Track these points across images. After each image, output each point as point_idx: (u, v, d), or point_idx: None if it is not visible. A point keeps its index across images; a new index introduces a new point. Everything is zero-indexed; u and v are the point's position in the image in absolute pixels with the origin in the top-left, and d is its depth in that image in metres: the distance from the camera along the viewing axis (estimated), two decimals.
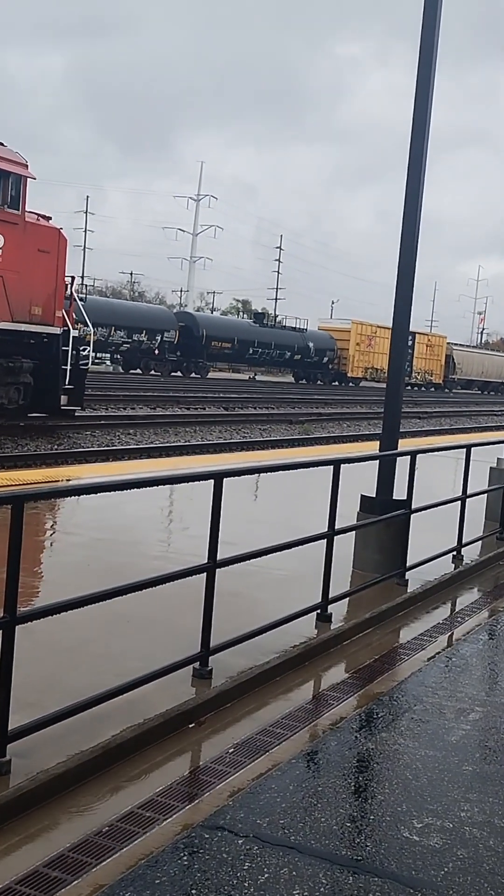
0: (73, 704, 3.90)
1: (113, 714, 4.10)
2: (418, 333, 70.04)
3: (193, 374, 51.19)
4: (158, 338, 48.43)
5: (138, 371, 48.13)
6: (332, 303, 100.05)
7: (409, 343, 64.96)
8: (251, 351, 55.33)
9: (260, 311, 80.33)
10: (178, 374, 50.40)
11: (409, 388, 64.81)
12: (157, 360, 49.06)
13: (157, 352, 48.69)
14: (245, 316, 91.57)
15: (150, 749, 4.05)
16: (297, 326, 60.36)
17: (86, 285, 57.13)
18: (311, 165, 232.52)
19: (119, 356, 49.08)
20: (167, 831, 3.38)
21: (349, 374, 60.92)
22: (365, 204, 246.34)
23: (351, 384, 60.87)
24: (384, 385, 8.12)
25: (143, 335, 47.49)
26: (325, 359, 60.01)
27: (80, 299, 44.26)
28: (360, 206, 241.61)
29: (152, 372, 48.26)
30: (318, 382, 59.92)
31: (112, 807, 3.53)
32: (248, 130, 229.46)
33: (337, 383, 60.97)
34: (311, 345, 58.55)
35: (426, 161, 7.46)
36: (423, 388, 66.94)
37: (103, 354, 49.18)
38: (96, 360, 45.78)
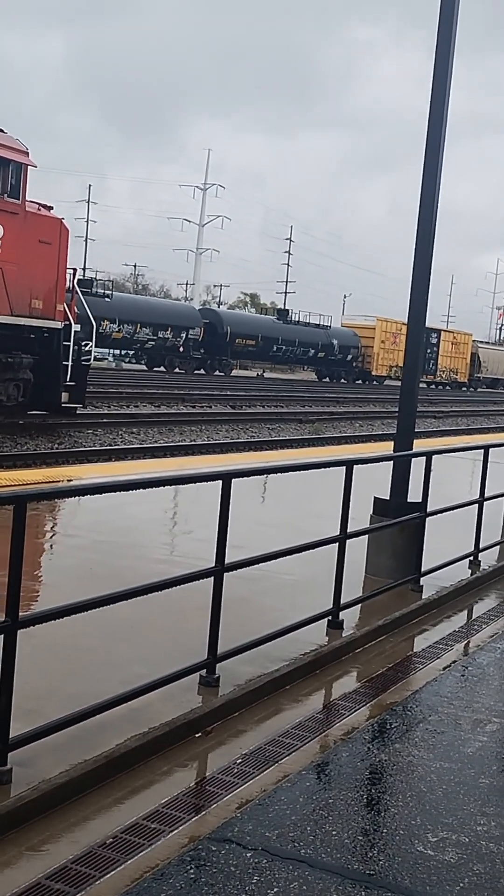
0: (75, 712, 3.93)
1: (117, 723, 4.13)
2: (444, 331, 70.20)
3: (217, 372, 51.61)
4: (183, 335, 48.89)
5: (162, 369, 48.48)
6: (345, 297, 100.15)
7: (435, 341, 65.67)
8: (275, 348, 55.78)
9: (269, 305, 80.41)
10: (202, 371, 50.76)
11: (433, 386, 64.95)
12: (181, 357, 49.43)
13: (181, 349, 49.06)
14: (253, 311, 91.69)
15: (155, 759, 4.08)
16: (321, 323, 60.58)
17: (109, 281, 57.57)
18: (323, 154, 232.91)
19: (143, 354, 49.55)
20: (173, 843, 3.41)
21: (373, 373, 61.12)
22: (378, 194, 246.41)
23: (375, 382, 61.03)
24: None
25: (168, 332, 47.95)
26: (350, 356, 60.24)
27: (106, 296, 44.99)
28: (373, 196, 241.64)
29: (177, 370, 48.64)
30: (343, 381, 60.14)
31: (116, 818, 3.57)
32: (257, 117, 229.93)
33: (361, 382, 61.11)
34: (335, 342, 58.85)
35: (443, 150, 7.48)
36: (448, 387, 66.98)
37: (128, 352, 49.74)
38: (97, 357, 46.04)
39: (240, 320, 57.13)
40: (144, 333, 47.11)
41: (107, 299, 45.04)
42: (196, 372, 50.13)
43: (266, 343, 54.95)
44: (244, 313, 75.59)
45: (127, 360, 50.99)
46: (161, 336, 47.84)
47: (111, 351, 49.35)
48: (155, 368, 48.85)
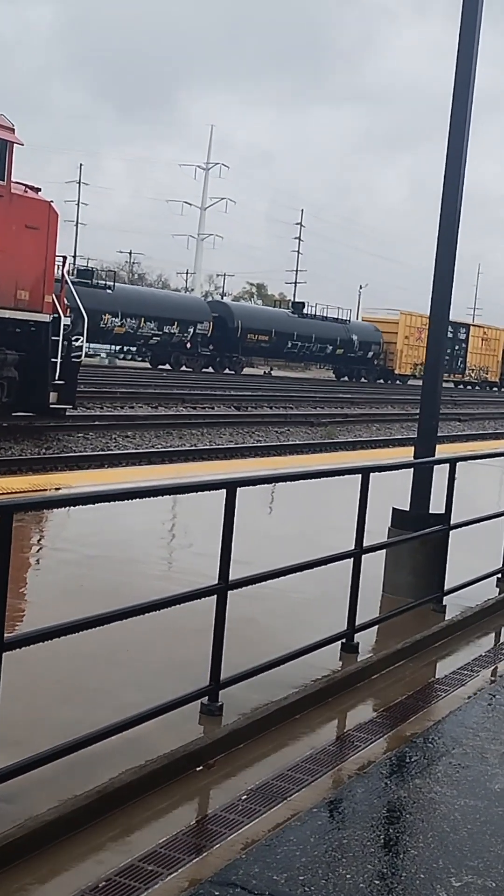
0: (64, 743, 3.95)
1: (111, 754, 4.15)
2: (473, 326, 69.99)
3: (227, 371, 51.59)
4: (191, 330, 48.94)
5: (167, 366, 48.51)
6: (360, 287, 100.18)
7: (463, 336, 65.54)
8: (290, 344, 55.90)
9: (277, 296, 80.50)
10: (210, 370, 50.69)
11: (461, 386, 64.91)
12: (188, 354, 49.48)
13: (188, 345, 49.07)
14: (260, 302, 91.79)
15: (152, 795, 4.10)
16: (340, 317, 60.59)
17: (111, 271, 57.63)
18: (336, 131, 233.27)
19: (147, 350, 49.51)
20: (172, 887, 3.43)
21: (396, 371, 61.05)
22: (396, 175, 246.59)
23: (398, 382, 60.92)
24: None
25: (174, 327, 48.01)
26: (370, 353, 60.25)
27: (107, 288, 45.05)
28: (391, 177, 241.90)
29: (183, 368, 48.68)
30: (363, 379, 60.08)
31: (110, 859, 3.59)
32: (265, 91, 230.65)
33: (382, 381, 61.04)
34: (354, 338, 58.86)
35: (469, 127, 7.51)
36: (477, 388, 66.89)
37: (130, 348, 49.70)
38: (89, 353, 46.15)
39: (252, 314, 57.36)
40: (149, 328, 47.24)
41: (108, 291, 45.18)
42: (204, 370, 50.11)
43: (280, 339, 55.07)
44: (256, 306, 75.94)
45: (129, 356, 50.96)
46: (167, 331, 47.95)
47: (111, 347, 49.44)
48: (160, 366, 48.85)
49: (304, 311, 60.11)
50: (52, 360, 17.12)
